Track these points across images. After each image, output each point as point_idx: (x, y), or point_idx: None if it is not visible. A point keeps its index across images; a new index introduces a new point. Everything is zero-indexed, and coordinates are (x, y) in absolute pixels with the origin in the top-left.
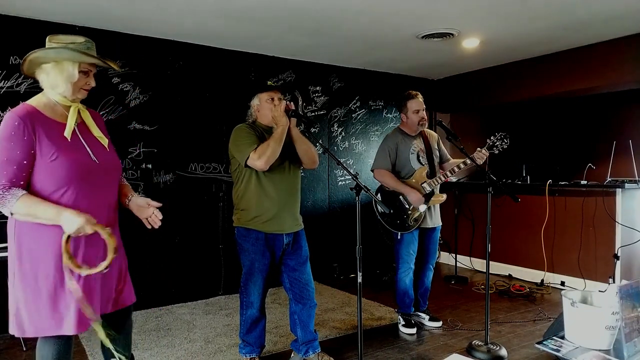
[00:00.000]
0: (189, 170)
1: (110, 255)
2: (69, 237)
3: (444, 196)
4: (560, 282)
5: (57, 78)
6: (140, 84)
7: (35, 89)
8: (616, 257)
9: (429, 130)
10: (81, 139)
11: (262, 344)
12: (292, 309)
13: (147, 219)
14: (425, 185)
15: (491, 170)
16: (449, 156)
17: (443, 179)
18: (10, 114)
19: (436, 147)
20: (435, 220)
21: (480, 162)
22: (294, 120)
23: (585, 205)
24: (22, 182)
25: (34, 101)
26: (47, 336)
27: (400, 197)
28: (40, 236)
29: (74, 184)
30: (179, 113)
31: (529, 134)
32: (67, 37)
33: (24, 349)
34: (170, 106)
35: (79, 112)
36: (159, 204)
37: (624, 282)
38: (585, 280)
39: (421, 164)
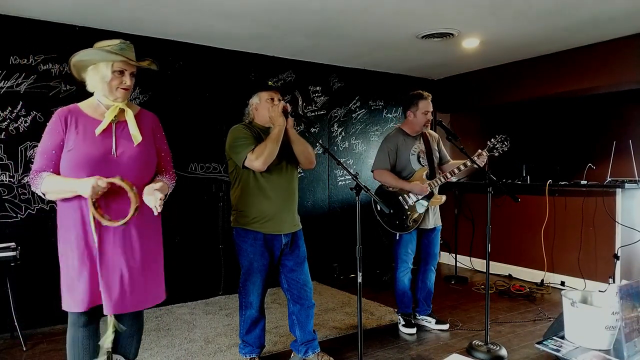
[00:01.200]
0: (189, 170)
1: (132, 209)
2: (94, 202)
3: (444, 197)
4: (560, 282)
5: (94, 79)
6: (140, 84)
7: (35, 89)
8: (616, 257)
9: (430, 130)
10: (113, 134)
11: (262, 344)
12: (290, 309)
13: (155, 206)
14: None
15: (491, 170)
16: (449, 157)
17: (443, 180)
18: (55, 112)
19: (436, 148)
20: (434, 221)
21: (480, 164)
22: (290, 120)
23: (585, 205)
24: (50, 169)
25: (83, 102)
26: (72, 312)
27: (400, 197)
28: (63, 215)
29: (84, 174)
30: (179, 113)
31: (529, 134)
32: (107, 42)
33: (24, 349)
34: (170, 106)
35: (122, 111)
36: (160, 184)
37: (624, 282)
38: (585, 280)
39: (421, 165)
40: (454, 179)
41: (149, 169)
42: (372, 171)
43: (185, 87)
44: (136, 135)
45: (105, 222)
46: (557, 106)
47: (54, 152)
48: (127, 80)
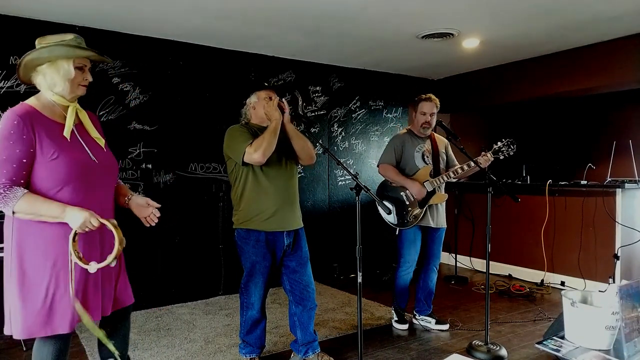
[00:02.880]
0: (189, 170)
1: (116, 247)
2: (75, 234)
3: (445, 195)
4: (560, 282)
5: (54, 77)
6: (140, 84)
7: (35, 89)
8: (616, 257)
9: (440, 136)
10: (79, 139)
11: (262, 344)
12: (292, 310)
13: (145, 218)
14: (427, 183)
15: (491, 170)
16: (456, 162)
17: (445, 178)
18: (9, 113)
19: (444, 152)
20: (439, 221)
21: (484, 165)
22: (287, 115)
23: (585, 205)
24: (22, 181)
25: (32, 101)
26: (44, 337)
27: (402, 193)
28: (40, 235)
29: (73, 183)
30: (179, 113)
31: (529, 134)
32: (55, 37)
33: (24, 349)
34: (170, 106)
35: (77, 113)
36: (158, 205)
37: (624, 282)
38: (585, 280)
39: (425, 163)
40: (454, 180)
41: (117, 173)
42: (378, 165)
43: (185, 87)
44: (99, 138)
45: (76, 261)
46: (557, 106)
47: (24, 160)
48: (89, 77)
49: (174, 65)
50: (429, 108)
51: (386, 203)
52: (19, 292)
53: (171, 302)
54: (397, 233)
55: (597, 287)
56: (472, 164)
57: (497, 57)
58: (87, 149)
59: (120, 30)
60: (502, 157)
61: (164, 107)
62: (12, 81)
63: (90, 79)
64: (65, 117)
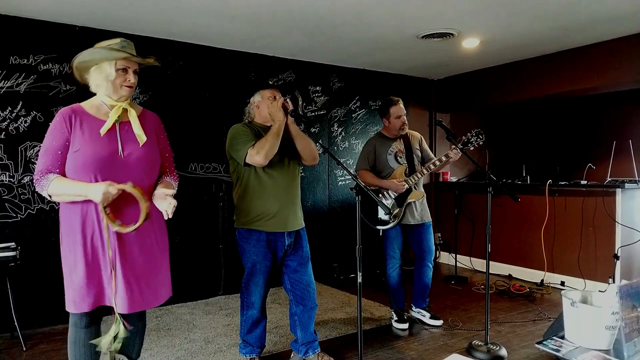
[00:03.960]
0: (189, 170)
1: (142, 216)
2: (104, 207)
3: (422, 192)
4: (560, 282)
5: (98, 78)
6: (140, 84)
7: (35, 89)
8: (616, 257)
9: (412, 131)
10: (118, 135)
11: (262, 344)
12: (292, 310)
13: (165, 210)
14: (402, 182)
15: (491, 170)
16: (433, 155)
17: (420, 175)
18: (58, 112)
19: (417, 147)
20: (421, 217)
21: (454, 158)
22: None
23: (585, 205)
24: (57, 170)
25: (85, 102)
26: (75, 313)
27: (380, 194)
28: (67, 215)
29: (92, 175)
30: (179, 113)
31: (529, 134)
32: (107, 41)
33: (24, 349)
34: (170, 106)
35: (126, 111)
36: (172, 191)
37: (624, 282)
38: (585, 280)
39: (399, 163)
40: (454, 178)
41: (155, 170)
42: (356, 172)
43: (185, 87)
44: (141, 136)
45: (115, 228)
46: (557, 106)
47: (59, 152)
48: (131, 78)
49: (174, 65)
50: (400, 110)
51: (385, 202)
52: (64, 271)
53: (171, 302)
54: (380, 234)
55: (597, 287)
56: (444, 158)
57: (497, 57)
58: (119, 144)
59: (121, 30)
60: (472, 148)
61: (164, 107)
62: (12, 81)
63: (132, 80)
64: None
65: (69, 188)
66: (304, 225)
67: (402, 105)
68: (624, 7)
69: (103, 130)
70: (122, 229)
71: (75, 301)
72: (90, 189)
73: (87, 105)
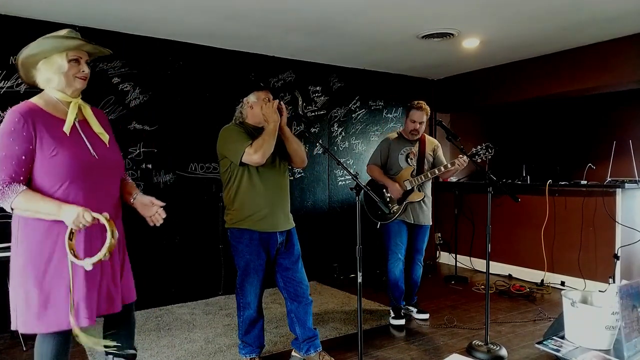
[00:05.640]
0: (189, 170)
1: (108, 239)
2: (71, 232)
3: (421, 194)
4: (560, 282)
5: (48, 72)
6: (140, 84)
7: (35, 88)
8: (616, 257)
9: (431, 138)
10: (82, 134)
11: (261, 344)
12: (288, 307)
13: (150, 217)
14: (406, 182)
15: (491, 170)
16: (445, 163)
17: (424, 178)
18: (12, 111)
19: (431, 154)
20: (419, 219)
21: (460, 167)
22: (284, 117)
23: (585, 205)
24: (22, 178)
25: (36, 99)
26: (45, 333)
27: (384, 189)
28: (37, 231)
29: (74, 179)
30: (179, 113)
31: (529, 134)
32: (53, 33)
33: (24, 348)
34: (170, 106)
35: (80, 109)
36: (163, 203)
37: (624, 282)
38: (586, 280)
39: (409, 164)
40: (454, 178)
41: (122, 169)
42: (367, 165)
43: (185, 87)
44: (103, 134)
45: (71, 259)
46: (557, 106)
47: (23, 157)
48: (85, 68)
49: (174, 65)
50: (419, 117)
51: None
52: (20, 286)
53: (171, 302)
54: (377, 227)
55: (597, 287)
56: (450, 165)
57: (497, 57)
58: (88, 144)
59: (121, 30)
60: (479, 160)
61: (164, 107)
62: (12, 81)
63: (86, 70)
64: (67, 113)
65: (39, 205)
66: (294, 225)
67: (424, 113)
68: (624, 7)
69: (66, 128)
70: (79, 262)
71: (52, 319)
72: (64, 211)
73: (41, 103)
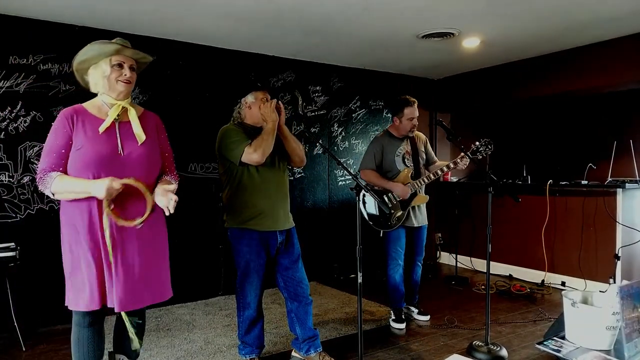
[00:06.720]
0: (188, 170)
1: (148, 209)
2: (108, 202)
3: (426, 197)
4: (560, 283)
5: (94, 77)
6: (140, 84)
7: (34, 89)
8: (617, 257)
9: (418, 132)
10: (117, 133)
11: (261, 344)
12: (288, 307)
13: (166, 207)
14: (408, 186)
15: (492, 170)
16: (436, 158)
17: (427, 180)
18: (60, 112)
19: (423, 149)
20: (420, 220)
21: (463, 166)
22: (282, 117)
23: (585, 205)
24: (60, 168)
25: (87, 102)
26: (77, 312)
27: (384, 196)
28: (69, 214)
29: (93, 172)
30: (178, 113)
31: (529, 134)
32: (96, 41)
33: (24, 349)
34: (169, 106)
35: (125, 111)
36: (173, 186)
37: (625, 282)
38: (586, 280)
39: (406, 165)
40: (454, 178)
41: (154, 169)
42: (359, 171)
43: (185, 87)
44: (140, 134)
45: (120, 223)
46: (557, 106)
47: (63, 151)
48: (127, 72)
49: (173, 65)
50: (414, 112)
51: (385, 200)
52: (66, 269)
53: (171, 302)
54: (381, 235)
55: (597, 288)
56: (452, 165)
57: (497, 56)
58: (119, 142)
59: (120, 30)
60: (480, 157)
61: (164, 107)
62: (12, 81)
63: (129, 74)
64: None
65: (72, 185)
66: (294, 225)
67: (416, 107)
68: (624, 7)
69: (102, 128)
70: (128, 224)
71: (78, 300)
72: (93, 186)
73: (88, 105)
